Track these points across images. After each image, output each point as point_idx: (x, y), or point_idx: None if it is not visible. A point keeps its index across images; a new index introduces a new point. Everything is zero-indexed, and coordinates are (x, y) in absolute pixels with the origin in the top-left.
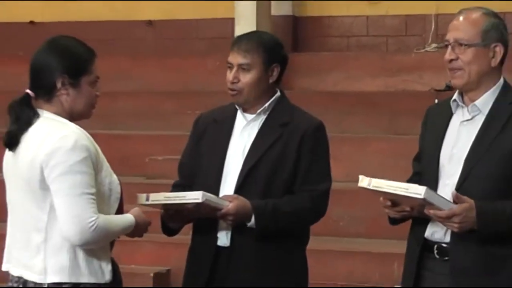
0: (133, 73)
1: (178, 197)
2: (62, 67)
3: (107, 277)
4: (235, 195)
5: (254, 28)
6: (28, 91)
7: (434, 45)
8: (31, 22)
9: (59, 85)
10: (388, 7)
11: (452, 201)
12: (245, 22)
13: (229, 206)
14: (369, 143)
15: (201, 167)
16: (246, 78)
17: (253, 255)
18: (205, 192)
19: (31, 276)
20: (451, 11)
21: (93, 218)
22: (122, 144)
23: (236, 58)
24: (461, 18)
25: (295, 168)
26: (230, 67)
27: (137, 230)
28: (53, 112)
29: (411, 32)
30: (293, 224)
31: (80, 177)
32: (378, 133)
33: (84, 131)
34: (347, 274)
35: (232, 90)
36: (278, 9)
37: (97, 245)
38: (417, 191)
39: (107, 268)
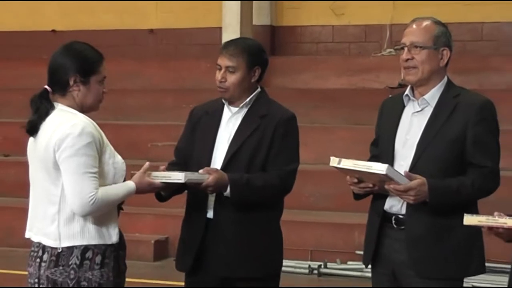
0: (138, 73)
1: (165, 176)
2: (75, 67)
3: (114, 239)
4: (215, 168)
5: (238, 35)
6: (46, 87)
7: (389, 50)
8: (53, 31)
9: (71, 82)
10: (350, 18)
11: None
12: (231, 31)
13: (209, 179)
14: (333, 132)
15: (194, 151)
16: (232, 78)
17: (236, 226)
18: (187, 173)
19: (48, 242)
20: (403, 21)
21: (93, 193)
22: (128, 133)
23: (224, 61)
24: (415, 25)
25: (268, 151)
26: (219, 68)
27: (141, 191)
28: (67, 105)
29: (370, 39)
30: (262, 196)
31: (84, 159)
32: (341, 123)
33: (91, 121)
34: (316, 241)
35: (220, 88)
36: (259, 19)
37: (100, 213)
38: (380, 168)
39: (114, 231)
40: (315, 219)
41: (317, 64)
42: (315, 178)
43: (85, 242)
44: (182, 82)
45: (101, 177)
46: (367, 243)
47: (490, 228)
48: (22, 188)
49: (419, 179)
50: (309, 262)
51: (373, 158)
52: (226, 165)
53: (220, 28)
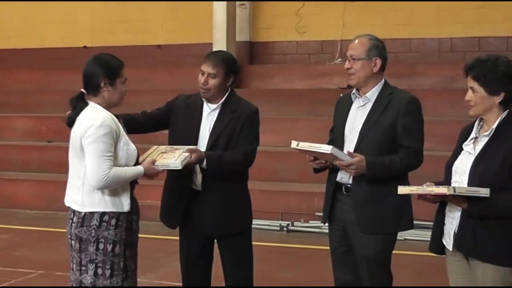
0: (148, 79)
1: (164, 165)
2: (104, 73)
3: (125, 208)
4: (195, 147)
5: (225, 49)
6: (82, 90)
7: (339, 59)
8: (85, 47)
9: (102, 84)
10: (310, 35)
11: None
12: (219, 45)
13: (192, 157)
14: (298, 122)
15: (179, 138)
16: (212, 82)
17: (215, 194)
18: (182, 161)
19: (76, 207)
20: (350, 38)
21: (106, 172)
22: None
23: (207, 69)
24: (356, 41)
25: (238, 137)
26: (203, 73)
27: (148, 175)
28: (97, 103)
29: (325, 51)
30: (231, 168)
31: (102, 145)
32: (304, 115)
33: (111, 115)
34: (285, 205)
35: (203, 89)
36: (240, 36)
37: (112, 187)
38: (327, 148)
39: (126, 202)
40: (284, 189)
41: (285, 71)
42: (283, 157)
43: (102, 209)
44: (182, 85)
45: (116, 159)
46: (325, 206)
47: (420, 196)
48: (61, 166)
49: (358, 157)
50: (279, 222)
51: (331, 141)
52: (209, 150)
53: (211, 43)
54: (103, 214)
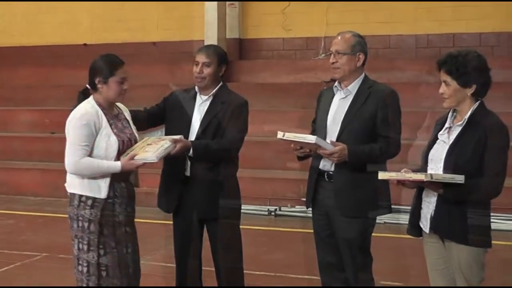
0: (145, 74)
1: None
2: (99, 72)
3: (102, 194)
4: (179, 137)
5: None
6: (87, 85)
7: (323, 55)
8: (84, 44)
9: (96, 82)
10: (296, 32)
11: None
12: (211, 43)
13: (176, 147)
14: (285, 114)
15: (172, 128)
16: (208, 70)
17: (206, 181)
18: (158, 155)
19: (66, 188)
20: (333, 34)
21: (76, 160)
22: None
23: (202, 58)
24: (339, 37)
25: (227, 125)
26: (197, 64)
27: (126, 170)
28: (96, 98)
29: (310, 47)
30: (218, 155)
31: (78, 134)
32: (290, 107)
33: (96, 108)
34: (272, 192)
35: (198, 78)
36: (230, 34)
37: (85, 175)
38: (311, 138)
39: (104, 189)
40: (272, 176)
41: (272, 66)
42: (271, 146)
43: (80, 192)
44: (176, 80)
45: (96, 149)
46: (308, 191)
47: (398, 182)
48: (63, 156)
49: (341, 145)
50: (268, 207)
51: (313, 132)
52: (198, 138)
53: (203, 40)
54: (81, 195)
